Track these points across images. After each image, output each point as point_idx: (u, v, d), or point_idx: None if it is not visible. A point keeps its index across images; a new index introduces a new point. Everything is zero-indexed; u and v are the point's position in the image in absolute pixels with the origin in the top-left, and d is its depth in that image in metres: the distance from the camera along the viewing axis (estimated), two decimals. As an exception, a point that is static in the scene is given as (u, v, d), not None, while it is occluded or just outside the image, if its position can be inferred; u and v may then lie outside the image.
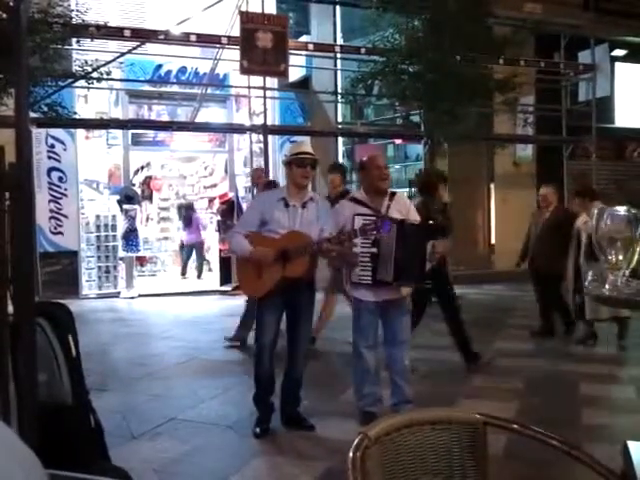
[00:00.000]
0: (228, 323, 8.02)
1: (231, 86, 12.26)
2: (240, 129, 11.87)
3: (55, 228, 11.01)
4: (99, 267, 11.55)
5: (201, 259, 13.97)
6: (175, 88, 12.36)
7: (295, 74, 12.04)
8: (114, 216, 11.70)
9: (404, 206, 4.64)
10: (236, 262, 4.61)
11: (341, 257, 4.45)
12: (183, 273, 14.03)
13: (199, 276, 13.77)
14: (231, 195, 12.53)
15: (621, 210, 1.84)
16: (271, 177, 11.19)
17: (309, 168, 4.33)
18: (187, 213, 14.01)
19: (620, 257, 1.80)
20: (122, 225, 11.67)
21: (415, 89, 10.34)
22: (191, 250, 13.99)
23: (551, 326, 7.58)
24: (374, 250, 4.33)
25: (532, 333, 7.60)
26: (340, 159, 13.17)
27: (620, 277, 1.79)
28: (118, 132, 11.73)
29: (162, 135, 12.56)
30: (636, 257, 1.80)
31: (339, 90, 12.58)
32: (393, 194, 4.64)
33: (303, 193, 4.37)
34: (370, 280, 4.38)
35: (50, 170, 10.95)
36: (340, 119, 13.24)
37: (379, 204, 4.51)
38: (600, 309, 6.91)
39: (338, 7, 12.84)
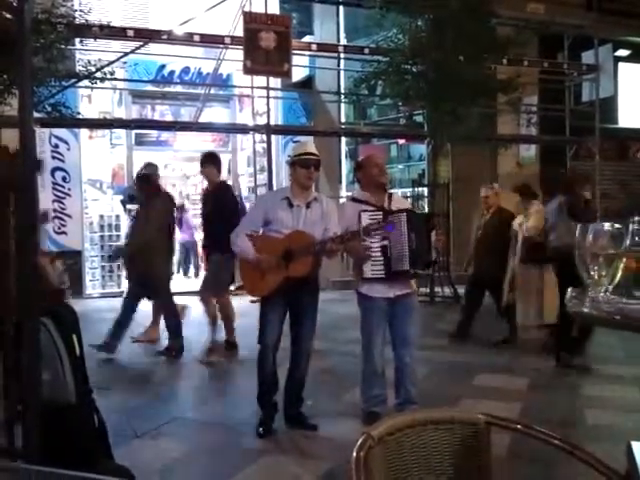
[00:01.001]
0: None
1: (234, 86, 12.27)
2: (243, 129, 11.88)
3: (59, 228, 11.03)
4: (102, 267, 11.56)
5: (196, 258, 13.97)
6: (178, 88, 12.38)
7: (298, 74, 12.02)
8: (117, 216, 11.71)
9: (403, 204, 4.75)
10: (239, 262, 4.60)
11: (351, 253, 4.48)
12: (185, 273, 14.03)
13: (197, 275, 13.79)
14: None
15: (605, 225, 1.85)
16: (274, 177, 11.22)
17: (313, 169, 4.34)
18: (178, 214, 13.97)
19: (603, 272, 1.81)
20: (126, 225, 11.67)
21: (418, 89, 10.33)
22: (185, 250, 14.00)
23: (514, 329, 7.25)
24: (385, 243, 4.35)
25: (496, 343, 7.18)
26: (343, 159, 13.16)
27: (601, 293, 1.80)
28: (121, 132, 11.76)
29: (165, 135, 12.57)
30: (620, 272, 1.81)
31: (342, 90, 12.58)
32: (390, 195, 4.71)
33: (307, 193, 4.38)
34: (384, 274, 4.39)
35: (54, 170, 10.97)
36: (343, 119, 13.23)
37: (380, 200, 4.54)
38: (529, 315, 6.87)
39: (341, 7, 12.82)
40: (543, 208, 6.99)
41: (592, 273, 1.82)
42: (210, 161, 6.76)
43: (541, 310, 6.91)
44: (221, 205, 6.59)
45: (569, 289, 1.95)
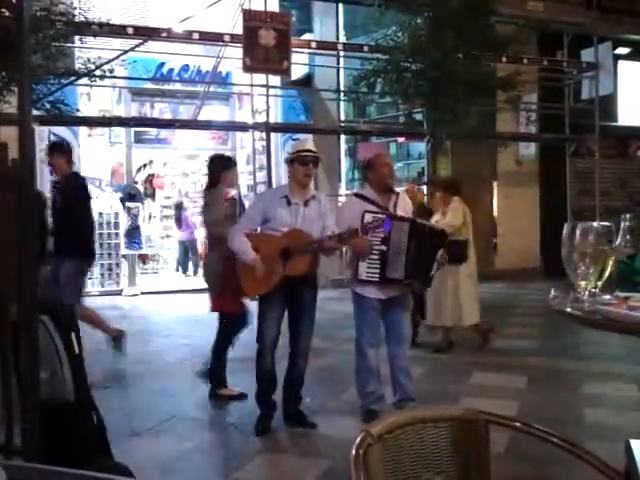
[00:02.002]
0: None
1: (234, 84, 12.27)
2: (243, 127, 11.88)
3: (58, 226, 11.00)
4: (102, 265, 11.55)
5: (195, 257, 14.02)
6: (178, 86, 12.38)
7: (298, 72, 12.02)
8: (117, 214, 11.71)
9: (407, 205, 4.73)
10: (238, 261, 4.59)
11: (353, 248, 4.47)
12: (184, 271, 14.05)
13: (195, 273, 13.83)
14: (233, 193, 12.52)
15: (593, 224, 1.85)
16: (273, 175, 11.22)
17: (311, 166, 4.33)
18: (177, 212, 14.06)
19: (591, 270, 1.81)
20: (125, 223, 11.68)
21: (418, 87, 10.32)
22: (184, 248, 14.03)
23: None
24: (383, 248, 4.34)
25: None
26: (343, 157, 13.16)
27: (585, 292, 1.81)
28: (121, 130, 11.77)
29: (164, 133, 12.59)
30: (608, 271, 1.81)
31: (342, 88, 12.57)
32: (397, 193, 4.69)
33: (305, 191, 4.38)
34: (378, 278, 4.38)
35: (53, 168, 10.94)
36: (343, 117, 13.23)
37: (387, 202, 4.54)
38: (443, 316, 6.55)
39: (341, 5, 12.82)
40: (461, 206, 6.80)
41: (579, 271, 1.82)
42: (58, 150, 6.03)
43: (459, 311, 6.56)
44: (69, 201, 5.81)
45: (552, 290, 1.95)
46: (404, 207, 4.63)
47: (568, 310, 1.77)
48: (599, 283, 1.81)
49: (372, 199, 4.53)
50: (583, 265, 1.80)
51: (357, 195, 4.79)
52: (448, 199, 6.74)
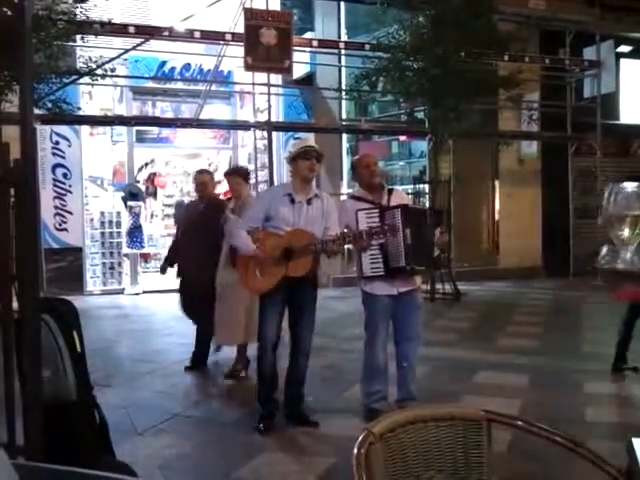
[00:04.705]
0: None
1: (235, 83, 12.26)
2: (244, 126, 11.86)
3: (60, 224, 11.03)
4: (103, 263, 11.56)
5: None
6: (179, 85, 12.36)
7: (299, 71, 12.00)
8: (118, 213, 11.72)
9: (402, 201, 4.72)
10: (238, 260, 4.59)
11: (355, 247, 4.48)
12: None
13: None
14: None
15: (629, 187, 1.87)
16: (275, 174, 11.22)
17: (315, 161, 4.32)
18: (175, 212, 14.06)
19: (628, 233, 1.84)
20: (126, 222, 11.68)
21: (419, 85, 10.32)
22: None
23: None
24: (382, 241, 4.34)
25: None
26: (344, 156, 13.15)
27: (631, 252, 1.83)
28: (122, 129, 11.75)
29: (166, 132, 12.57)
30: None
31: (343, 87, 12.55)
32: (391, 190, 4.70)
33: (308, 189, 4.37)
34: (383, 271, 4.38)
35: (55, 167, 10.96)
36: (344, 116, 13.21)
37: (379, 199, 4.55)
38: (235, 333, 5.50)
39: (342, 3, 12.79)
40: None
41: (619, 233, 1.84)
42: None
43: (248, 327, 5.35)
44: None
45: (604, 248, 1.98)
46: (398, 202, 4.62)
47: (620, 267, 1.79)
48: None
49: (362, 197, 4.58)
50: (623, 226, 1.82)
51: (352, 197, 4.85)
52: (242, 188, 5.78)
